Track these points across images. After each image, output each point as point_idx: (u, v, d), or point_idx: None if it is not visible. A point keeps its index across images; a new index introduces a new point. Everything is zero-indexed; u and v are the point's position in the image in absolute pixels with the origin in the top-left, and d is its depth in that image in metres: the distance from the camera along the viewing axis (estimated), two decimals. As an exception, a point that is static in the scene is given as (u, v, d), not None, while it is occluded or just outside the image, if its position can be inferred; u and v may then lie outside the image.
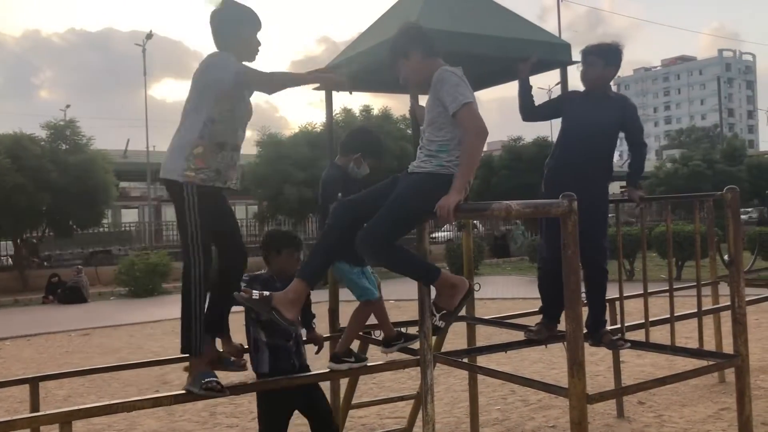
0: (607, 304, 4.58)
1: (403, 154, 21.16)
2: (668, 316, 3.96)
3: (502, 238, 25.93)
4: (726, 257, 3.56)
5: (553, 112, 4.26)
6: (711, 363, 3.55)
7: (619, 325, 4.26)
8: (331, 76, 3.50)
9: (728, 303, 3.51)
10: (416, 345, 3.72)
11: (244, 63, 3.43)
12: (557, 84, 4.74)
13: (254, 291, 3.23)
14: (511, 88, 4.29)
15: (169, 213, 37.42)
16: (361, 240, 3.20)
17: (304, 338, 4.03)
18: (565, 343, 2.77)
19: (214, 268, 3.46)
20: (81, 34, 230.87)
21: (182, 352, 3.38)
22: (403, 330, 4.14)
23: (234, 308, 3.53)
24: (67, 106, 44.50)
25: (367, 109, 26.34)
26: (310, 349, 4.08)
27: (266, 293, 3.23)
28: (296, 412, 3.94)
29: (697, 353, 3.75)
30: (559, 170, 4.04)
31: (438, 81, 3.24)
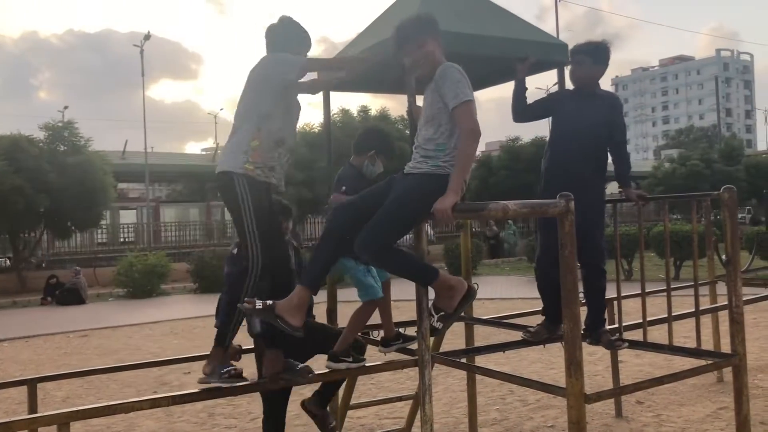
0: (606, 303, 4.59)
1: (401, 155, 21.01)
2: (666, 315, 3.97)
3: (494, 238, 25.97)
4: (723, 257, 3.57)
5: (543, 112, 4.26)
6: (709, 362, 3.56)
7: (617, 325, 4.27)
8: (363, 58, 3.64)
9: (726, 302, 3.51)
10: (415, 345, 3.73)
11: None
12: (555, 84, 4.75)
13: (258, 301, 3.24)
14: (510, 89, 4.29)
15: (167, 214, 37.40)
16: (360, 243, 3.21)
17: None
18: (563, 343, 2.78)
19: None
20: (79, 35, 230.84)
21: (215, 341, 3.44)
22: (401, 330, 4.15)
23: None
24: (65, 108, 44.51)
25: (365, 110, 26.41)
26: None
27: (269, 302, 3.24)
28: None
29: (695, 353, 3.75)
30: (553, 171, 4.05)
31: (441, 76, 3.24)
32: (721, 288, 4.47)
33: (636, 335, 4.12)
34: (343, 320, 4.39)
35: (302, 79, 3.55)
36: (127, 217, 35.70)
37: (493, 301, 12.61)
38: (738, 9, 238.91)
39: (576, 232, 2.74)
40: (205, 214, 36.13)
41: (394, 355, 4.10)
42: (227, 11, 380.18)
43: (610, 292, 4.28)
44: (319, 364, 4.06)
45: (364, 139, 4.22)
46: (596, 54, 4.05)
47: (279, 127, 3.47)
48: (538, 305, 4.31)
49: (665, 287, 3.98)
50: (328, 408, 4.39)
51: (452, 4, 4.62)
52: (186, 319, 13.22)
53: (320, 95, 5.06)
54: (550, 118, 4.19)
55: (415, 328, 3.77)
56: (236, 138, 3.46)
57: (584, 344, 3.02)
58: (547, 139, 4.27)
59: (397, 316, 4.28)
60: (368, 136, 4.26)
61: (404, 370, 4.48)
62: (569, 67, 4.13)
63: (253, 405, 6.01)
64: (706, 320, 6.15)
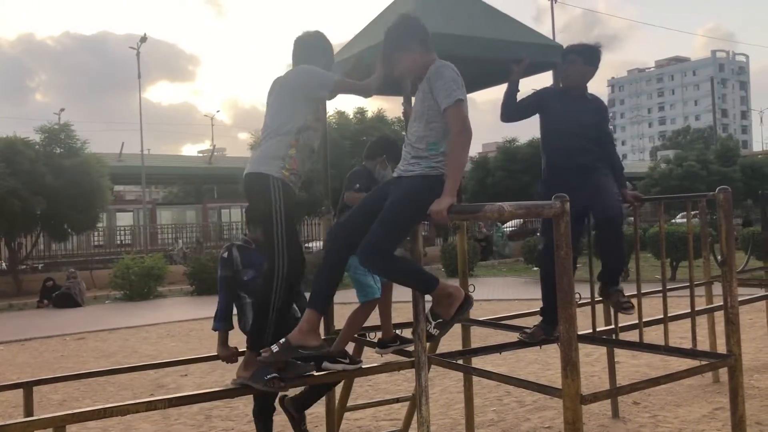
0: (602, 303, 4.60)
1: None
2: (662, 316, 3.98)
3: (485, 240, 26.04)
4: (719, 257, 3.58)
5: (531, 110, 4.26)
6: (704, 363, 3.56)
7: (612, 326, 4.28)
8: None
9: (722, 303, 3.52)
10: (411, 347, 3.73)
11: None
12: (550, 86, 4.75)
13: (273, 346, 3.27)
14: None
15: (164, 216, 37.36)
16: (361, 253, 3.22)
17: None
18: (559, 344, 2.78)
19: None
20: (76, 37, 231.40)
21: (251, 347, 3.45)
22: (398, 332, 4.16)
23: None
24: (62, 110, 44.54)
25: (361, 111, 26.33)
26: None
27: (282, 340, 3.27)
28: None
29: (691, 353, 3.76)
30: (553, 171, 4.06)
31: (434, 74, 3.23)
32: (717, 288, 4.48)
33: (632, 336, 4.13)
34: (338, 322, 4.39)
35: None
36: (124, 219, 35.70)
37: (489, 303, 12.62)
38: (733, 10, 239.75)
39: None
40: (202, 216, 36.10)
41: (391, 357, 4.10)
42: (225, 13, 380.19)
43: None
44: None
45: (374, 146, 4.49)
46: (588, 55, 4.09)
47: (313, 137, 3.58)
48: (535, 306, 4.32)
49: (661, 288, 3.99)
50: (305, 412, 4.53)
51: (447, 6, 4.63)
52: (182, 321, 13.19)
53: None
54: (539, 116, 4.22)
55: (410, 330, 3.78)
56: (273, 143, 3.49)
57: (580, 345, 3.02)
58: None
59: (394, 318, 4.29)
60: (379, 144, 4.52)
61: (401, 371, 4.48)
62: (561, 66, 4.17)
63: (249, 407, 5.99)
64: (702, 321, 6.16)
